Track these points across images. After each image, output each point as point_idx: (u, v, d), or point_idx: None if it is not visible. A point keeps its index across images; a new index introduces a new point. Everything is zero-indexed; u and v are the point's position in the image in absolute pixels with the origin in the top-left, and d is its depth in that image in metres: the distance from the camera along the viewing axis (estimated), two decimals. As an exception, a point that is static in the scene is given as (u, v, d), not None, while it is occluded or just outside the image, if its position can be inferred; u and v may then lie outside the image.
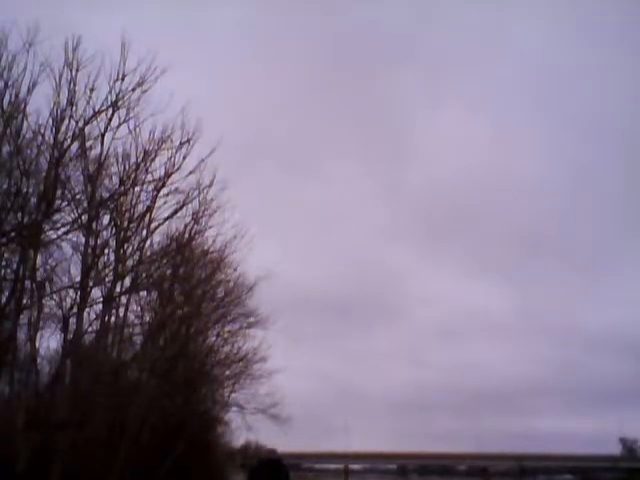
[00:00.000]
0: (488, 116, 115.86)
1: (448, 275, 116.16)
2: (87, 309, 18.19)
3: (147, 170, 19.02)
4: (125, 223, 19.36)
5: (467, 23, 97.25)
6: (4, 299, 16.33)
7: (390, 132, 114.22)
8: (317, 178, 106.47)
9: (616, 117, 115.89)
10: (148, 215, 19.79)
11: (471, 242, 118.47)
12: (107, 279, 18.83)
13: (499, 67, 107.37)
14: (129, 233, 19.58)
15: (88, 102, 17.10)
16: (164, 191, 19.52)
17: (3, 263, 16.81)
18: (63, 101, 16.80)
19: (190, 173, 19.46)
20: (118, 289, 19.53)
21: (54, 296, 18.29)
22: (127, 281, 19.98)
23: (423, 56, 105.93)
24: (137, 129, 18.39)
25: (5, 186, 16.15)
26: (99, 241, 18.67)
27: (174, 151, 19.01)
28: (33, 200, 16.54)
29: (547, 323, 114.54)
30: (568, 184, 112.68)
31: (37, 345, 17.45)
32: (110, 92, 17.37)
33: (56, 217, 17.27)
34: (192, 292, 22.95)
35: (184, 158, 19.20)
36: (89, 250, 17.96)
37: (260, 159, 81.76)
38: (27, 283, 16.79)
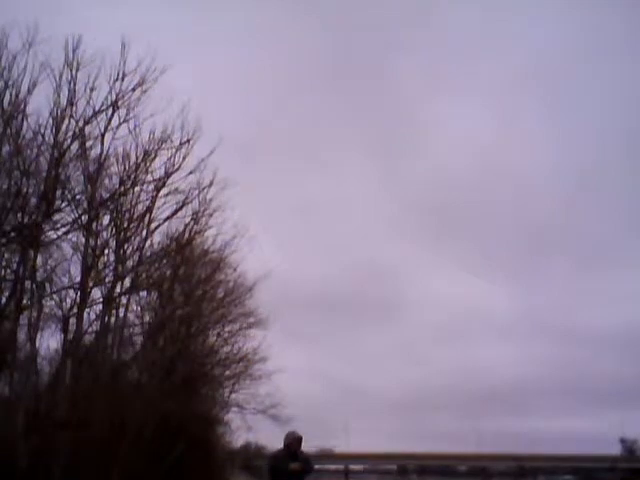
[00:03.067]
0: (493, 110, 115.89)
1: (450, 273, 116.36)
2: (87, 309, 18.18)
3: (147, 170, 19.02)
4: (125, 223, 19.33)
5: (470, 14, 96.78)
6: (4, 299, 16.32)
7: (393, 126, 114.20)
8: (318, 174, 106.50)
9: (622, 114, 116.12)
10: (148, 215, 19.78)
11: (474, 239, 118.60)
12: (107, 279, 18.83)
13: (504, 60, 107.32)
14: (129, 233, 19.56)
15: (88, 102, 17.12)
16: (164, 191, 19.54)
17: (3, 263, 16.79)
18: (63, 101, 16.80)
19: (190, 173, 19.49)
20: (118, 289, 19.51)
21: (54, 296, 18.28)
22: (127, 281, 19.96)
23: (426, 47, 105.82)
24: (137, 129, 18.41)
25: (5, 186, 16.13)
26: (99, 241, 18.66)
27: (174, 151, 19.02)
28: (33, 200, 16.52)
29: (548, 322, 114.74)
30: (573, 181, 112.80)
31: (37, 345, 17.44)
32: (110, 92, 17.40)
33: (56, 217, 17.25)
34: (192, 292, 22.93)
35: (184, 158, 19.22)
36: (89, 250, 17.94)
37: (261, 156, 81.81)
38: (27, 283, 16.77)
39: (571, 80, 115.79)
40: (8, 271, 16.80)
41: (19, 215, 16.46)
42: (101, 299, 18.71)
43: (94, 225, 18.23)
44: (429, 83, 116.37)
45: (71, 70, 16.77)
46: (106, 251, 18.95)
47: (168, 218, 20.23)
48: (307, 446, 9.73)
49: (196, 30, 75.33)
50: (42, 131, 16.67)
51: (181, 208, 20.25)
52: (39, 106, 16.61)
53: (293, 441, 9.28)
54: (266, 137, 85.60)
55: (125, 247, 19.55)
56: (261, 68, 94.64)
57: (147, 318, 22.95)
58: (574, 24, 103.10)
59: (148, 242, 20.57)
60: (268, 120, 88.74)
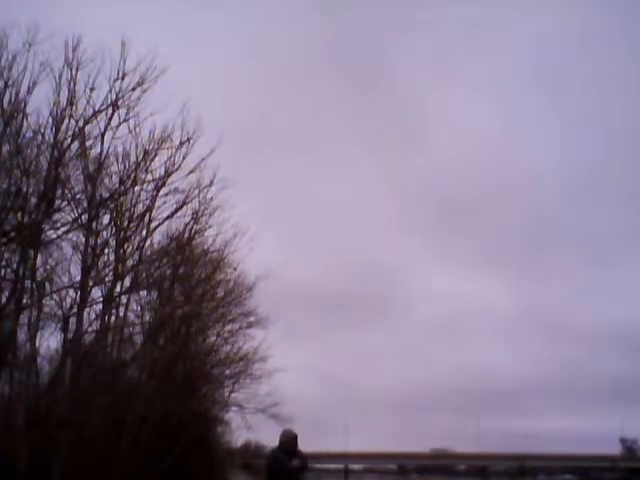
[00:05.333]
0: (496, 104, 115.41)
1: (451, 271, 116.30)
2: (87, 309, 18.18)
3: (147, 169, 19.01)
4: (125, 223, 19.34)
5: (471, 8, 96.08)
6: (4, 299, 16.31)
7: (394, 122, 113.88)
8: (318, 171, 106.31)
9: (627, 108, 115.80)
10: (148, 215, 19.79)
11: (475, 235, 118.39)
12: (107, 279, 18.82)
13: (507, 53, 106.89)
14: (129, 233, 19.56)
15: (88, 101, 17.10)
16: (164, 190, 19.53)
17: (3, 263, 16.77)
18: (63, 100, 16.79)
19: (190, 172, 19.48)
20: (118, 289, 19.52)
21: (54, 296, 18.27)
22: (127, 281, 19.97)
23: (427, 42, 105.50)
24: (137, 128, 18.37)
25: (5, 186, 16.13)
26: (99, 241, 18.65)
27: (174, 150, 19.02)
28: (33, 200, 16.51)
29: (549, 321, 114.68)
30: (575, 177, 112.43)
31: (37, 345, 17.45)
32: (110, 91, 17.37)
33: (56, 217, 17.25)
34: (192, 292, 22.94)
35: (184, 157, 19.20)
36: (89, 250, 17.94)
37: (261, 153, 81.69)
38: (27, 283, 16.77)
39: (575, 73, 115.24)
40: (8, 271, 16.80)
41: (19, 215, 16.46)
42: (101, 298, 18.72)
43: (94, 224, 18.23)
44: (430, 78, 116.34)
45: (71, 70, 16.76)
46: (106, 250, 18.94)
47: (168, 217, 20.26)
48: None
49: (196, 28, 75.20)
50: (42, 131, 16.67)
51: (181, 207, 20.29)
52: (39, 106, 16.61)
53: (289, 439, 9.31)
54: (266, 134, 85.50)
55: (125, 246, 19.56)
56: (261, 64, 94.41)
57: (147, 317, 22.98)
58: (575, 17, 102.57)
59: (148, 241, 20.61)
60: (268, 117, 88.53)
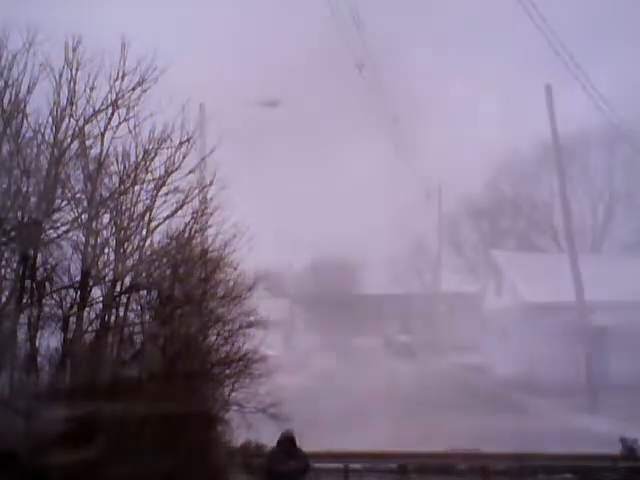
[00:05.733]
0: (499, 103, 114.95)
1: (450, 270, 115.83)
2: (87, 309, 18.19)
3: (147, 169, 18.99)
4: (125, 222, 19.32)
5: (471, 7, 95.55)
6: (4, 299, 16.32)
7: (395, 121, 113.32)
8: (317, 170, 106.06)
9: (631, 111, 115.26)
10: (148, 214, 19.75)
11: (477, 233, 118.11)
12: (107, 278, 18.84)
13: (509, 52, 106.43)
14: (129, 232, 19.55)
15: (88, 101, 17.10)
16: (164, 190, 19.49)
17: (3, 263, 16.79)
18: (63, 100, 16.80)
19: (190, 172, 19.50)
20: (118, 288, 19.52)
21: (54, 296, 18.28)
22: (127, 280, 19.97)
23: (429, 40, 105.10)
24: (137, 128, 18.37)
25: (5, 185, 16.15)
26: (99, 240, 18.66)
27: (174, 150, 19.04)
28: (33, 199, 16.54)
29: (548, 319, 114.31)
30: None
31: (37, 345, 17.45)
32: (110, 91, 17.36)
33: (56, 216, 17.27)
34: (192, 291, 22.93)
35: (184, 157, 19.22)
36: (89, 249, 17.96)
37: (261, 152, 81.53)
38: (27, 283, 16.79)
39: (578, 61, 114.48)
40: (8, 270, 16.81)
41: (19, 214, 16.49)
42: (101, 298, 18.74)
43: (94, 224, 18.24)
44: (432, 76, 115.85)
45: (71, 69, 16.76)
46: (106, 250, 18.94)
47: (168, 217, 20.21)
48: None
49: (196, 28, 75.11)
50: (42, 130, 16.68)
51: (181, 207, 20.26)
52: (39, 105, 16.63)
53: (286, 440, 9.37)
54: (266, 134, 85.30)
55: (125, 246, 19.52)
56: (261, 64, 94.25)
57: (147, 317, 22.94)
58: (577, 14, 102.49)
59: (148, 241, 20.56)
60: (268, 117, 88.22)
